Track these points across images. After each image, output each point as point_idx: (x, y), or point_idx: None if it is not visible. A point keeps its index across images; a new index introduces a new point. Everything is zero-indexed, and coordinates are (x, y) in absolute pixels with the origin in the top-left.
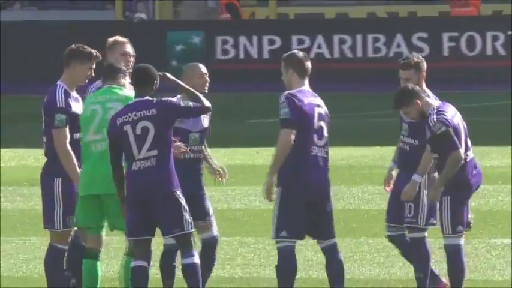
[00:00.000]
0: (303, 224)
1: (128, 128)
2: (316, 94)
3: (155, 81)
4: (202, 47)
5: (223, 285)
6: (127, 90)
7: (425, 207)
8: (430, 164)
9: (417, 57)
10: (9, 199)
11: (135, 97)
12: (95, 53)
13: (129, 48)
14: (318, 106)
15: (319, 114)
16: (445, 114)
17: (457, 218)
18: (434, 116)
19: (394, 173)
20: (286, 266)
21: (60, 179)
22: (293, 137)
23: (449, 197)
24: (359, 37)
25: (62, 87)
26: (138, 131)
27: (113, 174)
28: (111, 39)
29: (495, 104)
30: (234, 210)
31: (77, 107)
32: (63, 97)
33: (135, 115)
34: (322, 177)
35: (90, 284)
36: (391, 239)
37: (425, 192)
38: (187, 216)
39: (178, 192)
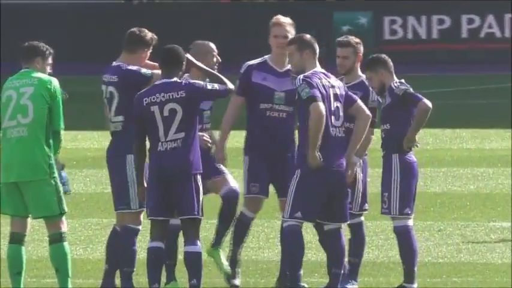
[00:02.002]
0: (319, 208)
1: (155, 109)
2: (329, 74)
3: (183, 63)
4: (370, 27)
5: None
6: (41, 73)
7: (360, 193)
8: (368, 144)
9: (356, 38)
10: None
11: (162, 77)
12: (151, 36)
13: (281, 31)
14: (332, 87)
15: (335, 95)
16: (407, 85)
17: (405, 201)
18: (398, 84)
19: None
20: (296, 244)
21: (132, 155)
22: (323, 107)
23: (399, 178)
24: None
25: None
26: (166, 113)
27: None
28: (275, 18)
29: None
30: None
31: None
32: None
33: (163, 96)
34: (341, 161)
35: (16, 268)
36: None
37: (361, 177)
38: (201, 201)
39: (199, 176)
